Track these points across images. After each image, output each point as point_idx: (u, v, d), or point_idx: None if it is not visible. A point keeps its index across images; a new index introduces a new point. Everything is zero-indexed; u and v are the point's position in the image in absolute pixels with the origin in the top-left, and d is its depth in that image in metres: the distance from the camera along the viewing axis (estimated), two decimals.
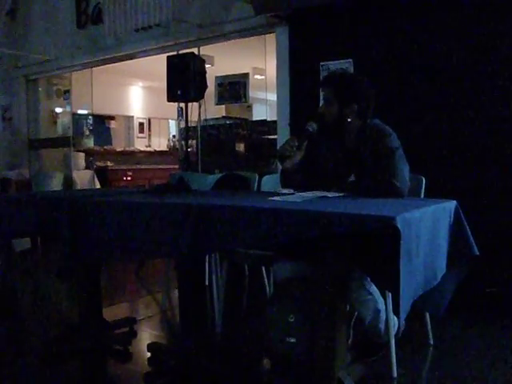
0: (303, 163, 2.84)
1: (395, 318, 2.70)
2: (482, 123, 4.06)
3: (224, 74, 6.47)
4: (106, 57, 7.29)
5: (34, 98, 8.57)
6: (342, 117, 2.80)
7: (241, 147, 6.47)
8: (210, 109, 6.31)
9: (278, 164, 3.00)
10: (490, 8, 4.03)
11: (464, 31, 4.13)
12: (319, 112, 2.86)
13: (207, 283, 4.22)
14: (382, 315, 2.62)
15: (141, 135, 11.88)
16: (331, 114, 2.80)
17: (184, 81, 5.43)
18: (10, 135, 8.61)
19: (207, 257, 4.01)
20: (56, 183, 7.54)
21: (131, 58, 7.15)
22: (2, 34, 8.25)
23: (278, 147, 5.39)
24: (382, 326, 2.65)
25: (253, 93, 6.65)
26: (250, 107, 8.33)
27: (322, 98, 2.95)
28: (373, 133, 2.78)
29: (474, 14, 4.09)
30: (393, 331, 2.67)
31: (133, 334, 3.49)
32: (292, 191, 2.62)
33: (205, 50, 6.36)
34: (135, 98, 11.80)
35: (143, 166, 9.81)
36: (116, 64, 7.53)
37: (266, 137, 6.18)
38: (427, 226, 2.11)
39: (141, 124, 11.92)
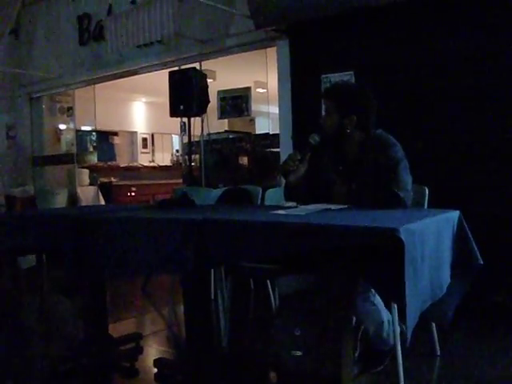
0: (307, 176, 2.85)
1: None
2: (485, 133, 4.07)
3: (226, 89, 6.50)
4: (109, 73, 7.34)
5: (37, 116, 8.62)
6: (342, 128, 2.81)
7: (244, 161, 6.49)
8: (212, 123, 6.34)
9: (282, 178, 3.01)
10: (492, 16, 4.04)
11: (467, 41, 4.14)
12: (320, 123, 2.88)
13: (213, 297, 4.21)
14: (385, 325, 2.61)
15: (144, 150, 11.93)
16: (331, 125, 2.82)
17: (186, 96, 5.47)
18: (15, 153, 8.65)
19: (212, 271, 4.01)
20: (61, 200, 7.56)
21: (133, 74, 7.20)
22: (5, 52, 8.31)
23: (281, 160, 5.40)
24: (385, 335, 2.63)
25: (255, 106, 6.68)
26: (252, 121, 8.37)
27: (323, 109, 2.96)
28: (376, 143, 2.79)
29: (476, 23, 4.11)
30: (398, 342, 2.66)
31: (139, 350, 3.48)
32: (295, 204, 2.62)
33: (206, 65, 6.39)
34: (138, 113, 11.86)
35: (147, 182, 9.81)
36: (118, 80, 7.57)
37: (269, 150, 6.20)
38: (431, 237, 2.11)
39: (144, 139, 11.97)
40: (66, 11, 7.66)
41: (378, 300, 2.55)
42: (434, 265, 2.12)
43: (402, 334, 2.72)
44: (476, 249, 2.42)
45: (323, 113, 2.94)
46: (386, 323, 2.60)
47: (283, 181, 3.00)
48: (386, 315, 2.60)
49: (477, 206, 3.81)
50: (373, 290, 2.51)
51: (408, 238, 1.77)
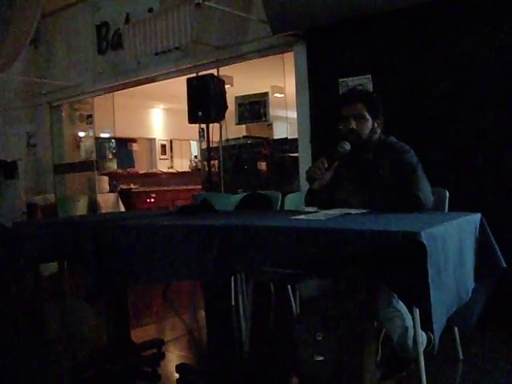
0: (330, 183, 2.83)
1: (423, 334, 2.67)
2: (506, 134, 4.03)
3: (244, 94, 6.52)
4: (127, 81, 7.40)
5: (57, 124, 8.70)
6: (374, 131, 2.81)
7: (263, 166, 6.48)
8: (230, 129, 6.35)
9: (302, 183, 2.99)
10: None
11: (486, 45, 4.11)
12: (352, 129, 2.83)
13: (233, 303, 4.22)
14: (410, 331, 2.59)
15: (163, 157, 11.99)
16: (366, 129, 2.80)
17: (204, 102, 5.48)
18: (36, 161, 8.74)
19: (233, 277, 4.01)
20: (81, 207, 7.62)
21: (152, 81, 7.25)
22: (25, 62, 8.42)
23: (299, 164, 5.39)
24: (410, 342, 2.61)
25: (273, 111, 6.68)
26: (270, 126, 8.36)
27: (344, 115, 2.88)
28: (391, 149, 2.78)
29: (497, 26, 4.07)
30: (421, 347, 2.64)
31: (161, 356, 3.50)
32: (316, 209, 2.62)
33: (224, 71, 6.42)
34: (156, 120, 11.93)
35: (166, 188, 9.87)
36: (137, 87, 7.63)
37: (288, 155, 6.19)
38: (454, 240, 2.09)
39: (163, 146, 12.03)
40: (84, 20, 7.76)
41: (401, 306, 2.53)
42: (458, 268, 2.10)
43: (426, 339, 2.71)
44: (499, 252, 2.40)
45: (345, 119, 2.87)
46: (410, 330, 2.58)
47: (303, 186, 2.99)
48: (410, 321, 2.58)
49: (498, 208, 3.78)
50: (395, 295, 2.49)
51: (430, 241, 1.75)
